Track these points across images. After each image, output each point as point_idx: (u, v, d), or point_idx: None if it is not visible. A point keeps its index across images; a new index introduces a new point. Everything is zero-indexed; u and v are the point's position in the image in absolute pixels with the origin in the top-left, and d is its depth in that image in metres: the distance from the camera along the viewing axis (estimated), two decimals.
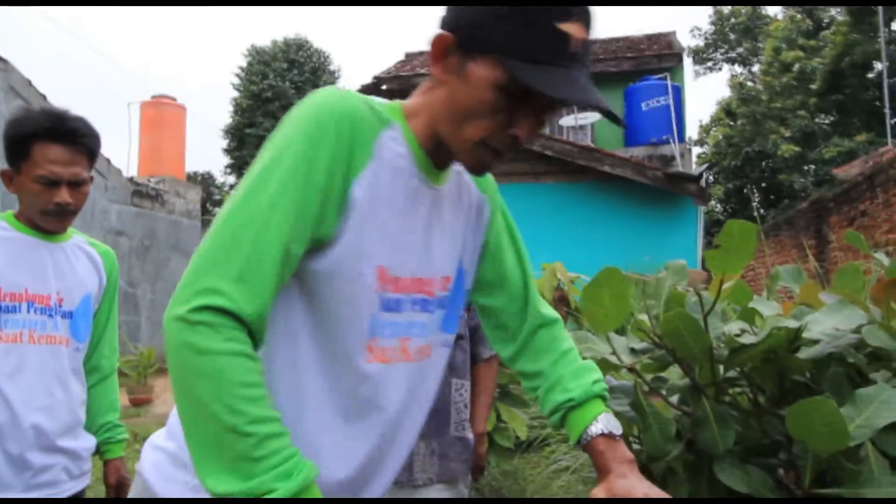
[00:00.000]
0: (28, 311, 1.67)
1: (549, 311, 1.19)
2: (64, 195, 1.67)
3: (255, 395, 0.82)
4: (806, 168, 17.56)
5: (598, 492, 0.97)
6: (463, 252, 1.12)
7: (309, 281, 0.94)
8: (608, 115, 0.92)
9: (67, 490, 1.70)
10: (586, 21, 0.92)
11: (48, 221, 1.70)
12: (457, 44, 0.93)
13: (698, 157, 22.20)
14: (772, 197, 18.59)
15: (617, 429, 1.04)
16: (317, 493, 0.83)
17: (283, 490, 0.79)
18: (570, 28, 0.89)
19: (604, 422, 1.04)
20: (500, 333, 1.20)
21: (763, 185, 18.64)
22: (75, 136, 1.68)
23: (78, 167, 1.69)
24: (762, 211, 18.94)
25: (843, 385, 1.22)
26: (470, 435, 2.13)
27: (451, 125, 0.95)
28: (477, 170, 0.99)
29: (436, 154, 1.02)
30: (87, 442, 1.79)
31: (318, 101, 0.92)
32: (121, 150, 23.57)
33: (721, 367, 1.21)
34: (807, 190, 15.91)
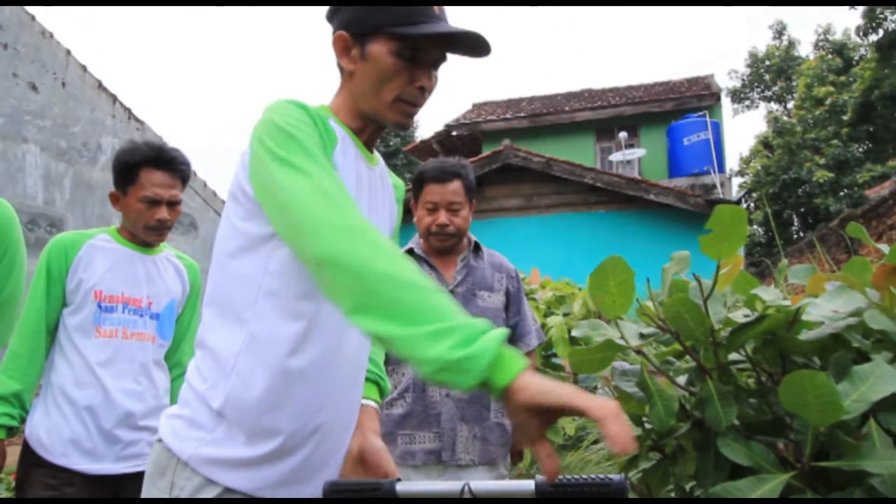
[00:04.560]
0: (123, 312, 1.73)
1: None
2: (163, 213, 1.74)
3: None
4: (841, 194, 16.61)
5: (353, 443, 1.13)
6: (390, 228, 1.21)
7: None
8: (473, 41, 1.01)
9: None
10: None
11: (149, 235, 1.77)
12: (352, 37, 1.05)
13: (740, 186, 21.36)
14: (809, 220, 17.65)
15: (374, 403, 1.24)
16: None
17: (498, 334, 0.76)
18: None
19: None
20: None
21: (801, 209, 17.74)
22: (174, 163, 1.76)
23: (175, 189, 1.77)
24: (801, 233, 18.00)
25: (848, 368, 1.12)
26: (508, 426, 2.06)
27: (372, 97, 1.05)
28: (403, 121, 1.07)
29: (363, 136, 1.11)
30: None
31: (285, 108, 1.01)
32: None
33: (724, 350, 1.13)
34: (842, 212, 15.05)
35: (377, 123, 1.11)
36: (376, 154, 1.18)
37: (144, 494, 1.03)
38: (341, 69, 1.10)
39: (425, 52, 1.04)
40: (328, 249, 0.84)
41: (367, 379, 1.23)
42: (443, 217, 2.01)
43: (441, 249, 2.06)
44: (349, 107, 1.10)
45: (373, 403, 1.23)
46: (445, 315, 0.76)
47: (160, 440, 1.04)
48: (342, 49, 1.07)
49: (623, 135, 13.05)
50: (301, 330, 1.00)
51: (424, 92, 1.06)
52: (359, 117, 1.10)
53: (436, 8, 1.04)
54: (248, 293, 1.01)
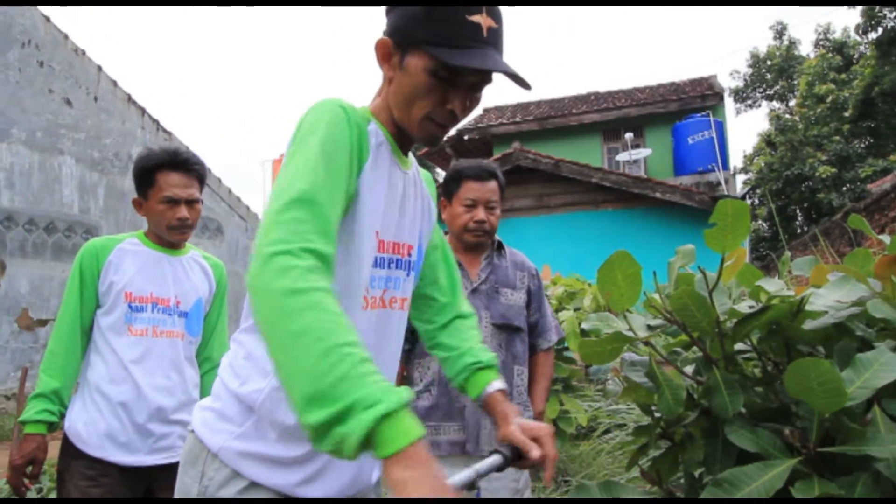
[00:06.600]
0: (152, 311, 1.74)
1: (467, 307, 1.33)
2: (183, 212, 1.75)
3: (345, 323, 0.76)
4: (844, 188, 16.36)
5: (514, 430, 1.07)
6: (422, 230, 1.17)
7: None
8: (516, 78, 0.96)
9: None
10: (493, 13, 0.97)
11: (173, 235, 1.78)
12: (394, 45, 1.00)
13: (744, 182, 21.13)
14: (813, 215, 17.41)
15: (506, 386, 1.20)
16: (410, 416, 0.73)
17: (389, 402, 0.70)
18: (479, 19, 0.95)
19: (500, 382, 1.18)
20: (427, 315, 1.30)
21: (804, 204, 17.50)
22: (188, 164, 1.77)
23: (192, 189, 1.77)
24: (805, 228, 17.77)
25: (852, 356, 1.10)
26: (529, 414, 2.05)
27: (403, 109, 1.01)
28: (429, 141, 1.03)
29: (398, 140, 1.08)
30: None
31: (327, 106, 0.96)
32: (258, 199, 24.98)
33: (730, 340, 1.11)
34: (845, 206, 14.83)
35: (407, 138, 1.08)
36: (410, 157, 1.14)
37: (178, 482, 1.04)
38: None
39: (462, 75, 0.97)
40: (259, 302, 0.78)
41: (479, 367, 1.19)
42: (481, 213, 1.99)
43: (474, 246, 2.04)
44: (386, 111, 1.05)
45: (499, 384, 1.18)
46: (338, 396, 0.70)
47: (192, 431, 1.04)
48: (384, 54, 1.02)
49: (629, 135, 12.99)
50: None
51: (455, 116, 1.00)
52: (394, 125, 1.06)
53: (484, 29, 0.95)
54: None
